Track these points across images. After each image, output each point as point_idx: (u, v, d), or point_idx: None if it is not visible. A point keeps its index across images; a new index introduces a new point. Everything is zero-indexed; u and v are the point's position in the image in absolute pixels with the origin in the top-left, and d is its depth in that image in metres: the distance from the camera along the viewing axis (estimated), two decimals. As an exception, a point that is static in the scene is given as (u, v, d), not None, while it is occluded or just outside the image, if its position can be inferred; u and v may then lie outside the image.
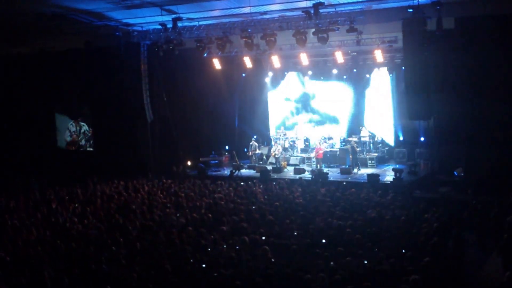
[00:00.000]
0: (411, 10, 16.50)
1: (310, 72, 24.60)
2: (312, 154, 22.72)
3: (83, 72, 23.94)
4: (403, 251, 10.60)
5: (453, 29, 17.36)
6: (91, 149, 25.14)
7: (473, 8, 16.43)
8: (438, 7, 16.11)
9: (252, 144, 24.05)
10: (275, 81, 26.48)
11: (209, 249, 11.18)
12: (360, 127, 23.81)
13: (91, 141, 25.09)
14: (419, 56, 16.95)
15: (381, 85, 23.99)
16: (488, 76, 17.18)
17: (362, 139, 23.17)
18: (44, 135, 25.89)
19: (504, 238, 11.06)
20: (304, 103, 26.39)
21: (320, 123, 25.81)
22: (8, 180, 21.13)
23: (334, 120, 25.51)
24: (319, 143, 23.06)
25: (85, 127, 25.32)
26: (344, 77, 24.01)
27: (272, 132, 26.60)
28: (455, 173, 18.77)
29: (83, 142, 25.40)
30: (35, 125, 25.80)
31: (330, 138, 23.98)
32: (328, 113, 25.73)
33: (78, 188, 18.26)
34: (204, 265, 10.20)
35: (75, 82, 24.76)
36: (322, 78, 24.66)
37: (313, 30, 17.69)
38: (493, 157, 17.15)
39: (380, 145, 23.37)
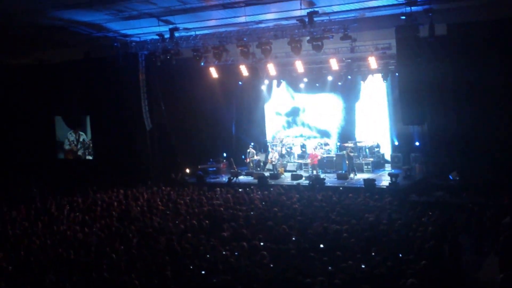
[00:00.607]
0: (404, 17, 16.58)
1: (305, 79, 24.58)
2: (308, 160, 22.64)
3: (82, 82, 23.98)
4: (400, 254, 10.57)
5: (445, 35, 17.43)
6: (90, 157, 25.09)
7: (465, 14, 16.52)
8: (430, 14, 16.22)
9: (249, 151, 24.00)
10: (271, 89, 26.48)
11: (208, 255, 11.13)
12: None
13: (90, 150, 25.03)
14: (413, 62, 17.00)
15: (376, 91, 23.99)
16: (481, 80, 17.24)
17: (358, 144, 23.16)
18: (44, 144, 25.86)
19: (500, 240, 11.03)
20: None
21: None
22: (9, 190, 21.06)
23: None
24: (314, 149, 23.05)
25: (83, 136, 25.28)
26: (339, 83, 23.95)
27: (269, 139, 26.56)
28: (450, 176, 18.76)
29: (81, 151, 25.34)
30: (35, 135, 25.79)
31: (326, 144, 23.96)
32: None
33: (78, 197, 18.21)
34: (203, 271, 10.15)
35: (75, 92, 24.79)
36: (317, 84, 24.61)
37: (308, 38, 17.69)
38: (488, 160, 17.17)
39: (376, 150, 23.33)
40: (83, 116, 25.20)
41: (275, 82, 25.74)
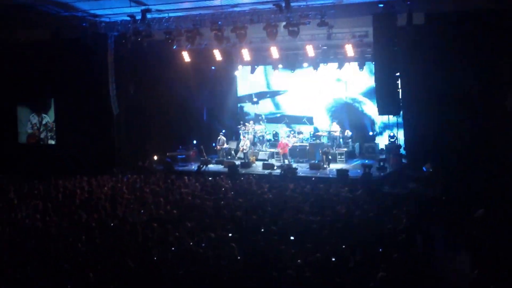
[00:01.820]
0: (381, 5, 16.60)
1: (280, 66, 24.41)
2: (278, 150, 22.40)
3: (47, 63, 23.24)
4: (372, 247, 10.57)
5: (423, 24, 17.48)
6: (52, 142, 24.46)
7: (443, 3, 16.60)
8: (408, 2, 16.28)
9: (220, 139, 23.79)
10: (246, 76, 26.26)
11: (174, 246, 10.94)
12: (331, 122, 23.83)
13: (52, 133, 24.42)
14: (389, 51, 17.05)
15: (351, 80, 24.06)
16: (456, 71, 17.37)
17: (333, 134, 23.12)
18: (5, 129, 25.07)
19: (472, 235, 11.14)
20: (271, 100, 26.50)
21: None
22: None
23: (308, 120, 25.05)
24: (287, 137, 22.92)
25: (47, 119, 24.62)
26: (315, 70, 23.86)
27: (241, 127, 26.35)
28: (424, 168, 18.91)
29: (43, 134, 24.69)
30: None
31: (300, 133, 23.84)
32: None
33: (39, 184, 17.70)
34: (169, 262, 9.97)
35: (39, 74, 24.01)
36: (292, 71, 24.46)
37: (284, 23, 17.61)
38: (461, 153, 17.36)
39: (350, 140, 23.37)
40: (48, 99, 24.51)
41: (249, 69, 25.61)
